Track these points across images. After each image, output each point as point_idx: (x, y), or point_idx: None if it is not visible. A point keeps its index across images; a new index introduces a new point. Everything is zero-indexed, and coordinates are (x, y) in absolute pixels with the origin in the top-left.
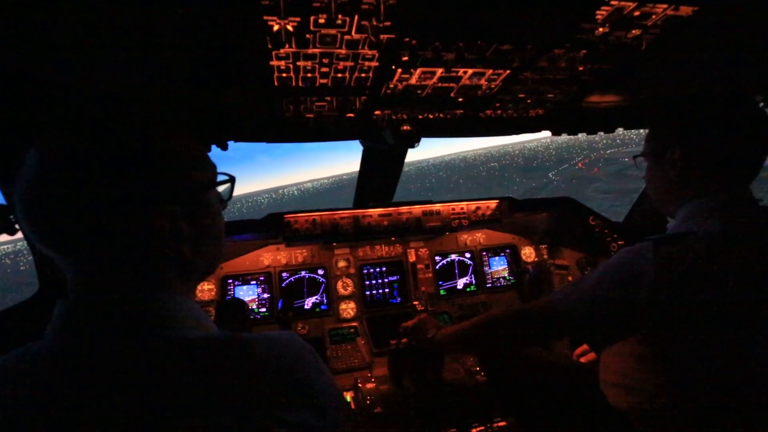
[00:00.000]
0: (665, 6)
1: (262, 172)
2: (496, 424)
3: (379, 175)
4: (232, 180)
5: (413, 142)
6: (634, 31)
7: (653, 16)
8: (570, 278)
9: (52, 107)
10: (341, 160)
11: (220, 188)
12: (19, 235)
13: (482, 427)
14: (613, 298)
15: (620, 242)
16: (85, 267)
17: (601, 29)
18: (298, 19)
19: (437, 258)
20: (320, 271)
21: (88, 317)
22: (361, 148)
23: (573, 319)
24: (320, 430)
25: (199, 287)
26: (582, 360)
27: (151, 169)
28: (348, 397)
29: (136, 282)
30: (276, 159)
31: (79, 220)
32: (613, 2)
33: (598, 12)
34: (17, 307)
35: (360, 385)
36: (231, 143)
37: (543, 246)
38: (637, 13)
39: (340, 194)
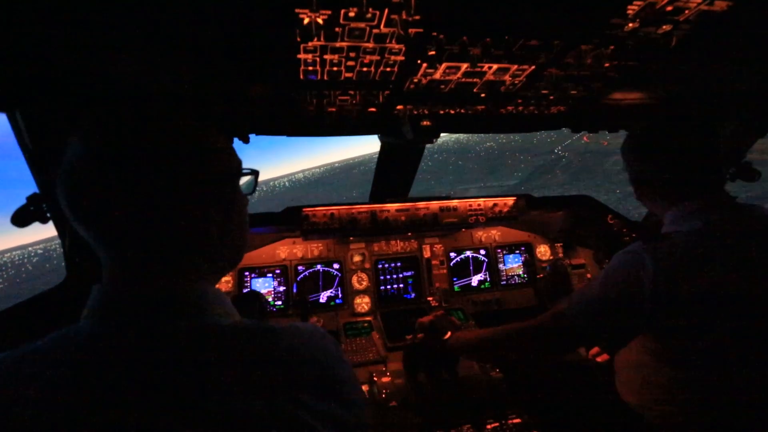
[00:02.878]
0: (699, 0)
1: (252, 166)
2: (510, 421)
3: (397, 171)
4: (255, 173)
5: (432, 137)
6: (664, 27)
7: (686, 11)
8: (588, 275)
9: (89, 100)
10: (332, 148)
11: (243, 181)
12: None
13: (497, 424)
14: (620, 298)
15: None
16: (122, 252)
17: (631, 24)
18: (329, 12)
19: (452, 254)
20: (335, 265)
21: (124, 302)
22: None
23: (585, 326)
24: (346, 420)
25: None
26: (597, 360)
27: (184, 156)
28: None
29: (169, 268)
30: (264, 151)
31: (118, 203)
32: None
33: (629, 7)
34: (44, 295)
35: (375, 379)
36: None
37: (558, 244)
38: (669, 8)
39: (333, 183)
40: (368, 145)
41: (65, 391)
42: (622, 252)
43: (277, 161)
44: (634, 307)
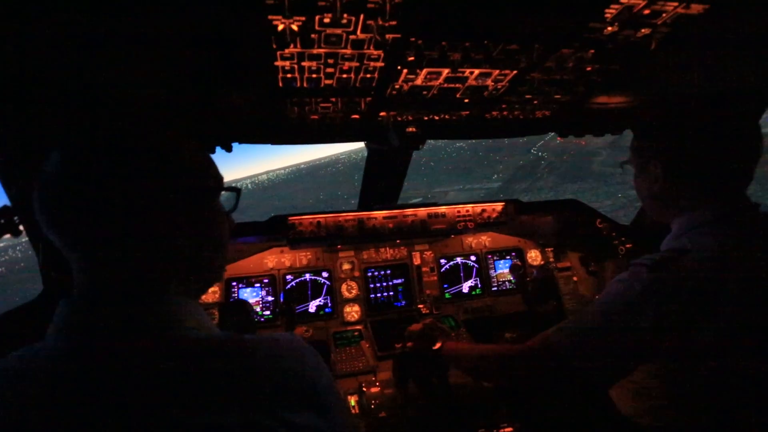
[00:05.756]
0: (676, 4)
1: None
2: (502, 430)
3: (384, 178)
4: (237, 191)
5: (418, 143)
6: (643, 30)
7: (663, 15)
8: (575, 278)
9: (63, 112)
10: (298, 149)
11: (224, 198)
12: None
13: None
14: (617, 331)
15: (628, 245)
16: (93, 263)
17: (610, 28)
18: (303, 18)
19: (442, 261)
20: (324, 274)
21: (92, 317)
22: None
23: (577, 358)
24: (325, 430)
25: None
26: None
27: (160, 170)
28: (352, 401)
29: (139, 281)
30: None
31: (92, 214)
32: (622, 0)
33: (607, 10)
34: (20, 309)
35: (365, 389)
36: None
37: (549, 249)
38: (647, 12)
39: (299, 185)
40: (335, 146)
41: (26, 412)
42: (620, 279)
43: (239, 162)
44: (632, 342)
